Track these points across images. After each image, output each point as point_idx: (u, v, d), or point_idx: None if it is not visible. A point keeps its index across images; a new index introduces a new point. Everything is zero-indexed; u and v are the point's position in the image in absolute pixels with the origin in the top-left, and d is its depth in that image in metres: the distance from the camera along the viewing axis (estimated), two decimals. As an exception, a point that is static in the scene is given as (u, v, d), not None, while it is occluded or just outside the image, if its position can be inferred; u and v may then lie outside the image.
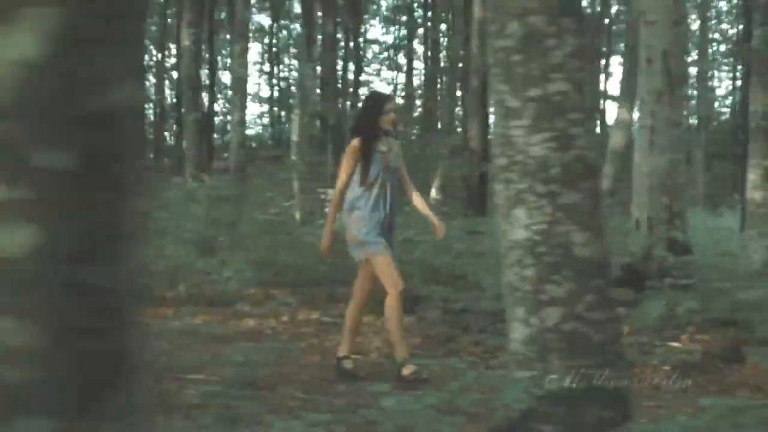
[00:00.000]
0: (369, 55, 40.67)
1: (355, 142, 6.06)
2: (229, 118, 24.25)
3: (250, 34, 41.07)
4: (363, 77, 39.09)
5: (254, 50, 43.06)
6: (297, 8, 32.85)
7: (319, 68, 26.98)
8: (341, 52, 31.26)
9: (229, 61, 35.14)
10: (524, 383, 3.40)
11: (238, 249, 9.55)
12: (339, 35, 30.31)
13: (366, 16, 34.08)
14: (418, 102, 38.65)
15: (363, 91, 32.80)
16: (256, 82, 43.64)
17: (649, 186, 7.66)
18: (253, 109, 49.86)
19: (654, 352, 6.78)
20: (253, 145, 37.70)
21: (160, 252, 9.47)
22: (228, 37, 32.40)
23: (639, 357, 6.57)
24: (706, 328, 6.87)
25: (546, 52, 3.59)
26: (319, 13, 25.68)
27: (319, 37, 26.43)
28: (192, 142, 14.75)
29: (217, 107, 36.22)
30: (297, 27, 35.42)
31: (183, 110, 15.42)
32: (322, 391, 5.65)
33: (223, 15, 33.30)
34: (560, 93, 3.59)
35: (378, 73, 42.14)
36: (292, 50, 40.41)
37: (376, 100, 6.29)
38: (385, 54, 41.53)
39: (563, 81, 3.59)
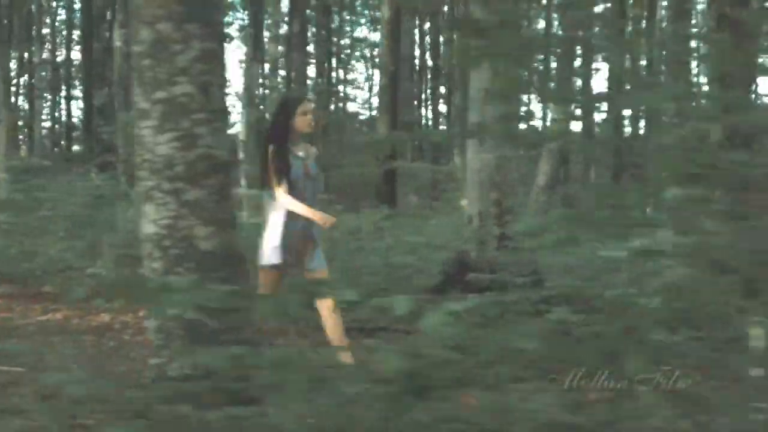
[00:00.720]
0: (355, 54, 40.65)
1: (270, 148, 5.63)
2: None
3: (238, 34, 41.28)
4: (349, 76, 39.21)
5: (241, 51, 43.27)
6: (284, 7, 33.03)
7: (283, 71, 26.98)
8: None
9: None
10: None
11: (116, 247, 9.79)
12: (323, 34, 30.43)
13: (343, 13, 34.18)
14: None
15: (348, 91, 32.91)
16: (243, 83, 43.81)
17: (479, 182, 7.80)
18: (238, 109, 49.89)
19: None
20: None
21: (35, 249, 9.74)
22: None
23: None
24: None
25: (172, 56, 3.80)
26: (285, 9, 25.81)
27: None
28: (124, 142, 14.98)
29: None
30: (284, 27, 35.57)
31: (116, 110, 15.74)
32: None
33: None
34: (185, 95, 3.80)
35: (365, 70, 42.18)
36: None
37: (287, 103, 5.92)
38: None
39: (188, 84, 3.80)
